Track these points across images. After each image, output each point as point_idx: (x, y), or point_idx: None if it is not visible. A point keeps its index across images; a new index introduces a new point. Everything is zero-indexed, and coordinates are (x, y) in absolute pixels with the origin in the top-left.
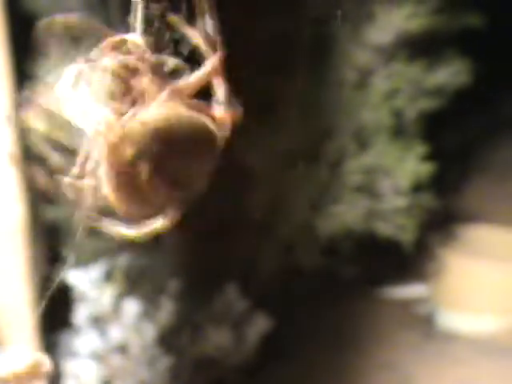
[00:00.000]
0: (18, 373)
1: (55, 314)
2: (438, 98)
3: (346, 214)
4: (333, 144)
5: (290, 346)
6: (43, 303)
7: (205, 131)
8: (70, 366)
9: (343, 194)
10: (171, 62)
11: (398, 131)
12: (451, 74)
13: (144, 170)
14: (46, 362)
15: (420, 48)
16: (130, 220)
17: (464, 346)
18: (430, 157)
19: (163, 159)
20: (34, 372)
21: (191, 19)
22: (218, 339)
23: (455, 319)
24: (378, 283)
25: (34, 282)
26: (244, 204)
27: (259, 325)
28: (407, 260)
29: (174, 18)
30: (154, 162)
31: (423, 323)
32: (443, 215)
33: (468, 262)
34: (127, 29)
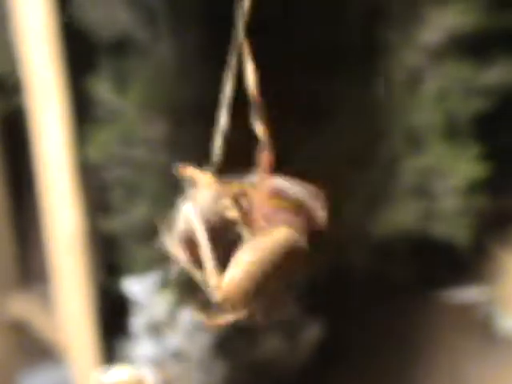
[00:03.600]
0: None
1: (113, 321)
2: (491, 97)
3: (401, 215)
4: (385, 146)
5: (344, 350)
6: (101, 311)
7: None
8: None
9: (397, 196)
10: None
11: (452, 131)
12: (506, 72)
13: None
14: (147, 379)
15: (471, 46)
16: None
17: None
18: (485, 157)
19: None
20: None
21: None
22: (271, 345)
23: None
24: (433, 286)
25: (92, 291)
26: None
27: (312, 330)
28: (464, 262)
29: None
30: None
31: (482, 327)
32: (500, 216)
33: None
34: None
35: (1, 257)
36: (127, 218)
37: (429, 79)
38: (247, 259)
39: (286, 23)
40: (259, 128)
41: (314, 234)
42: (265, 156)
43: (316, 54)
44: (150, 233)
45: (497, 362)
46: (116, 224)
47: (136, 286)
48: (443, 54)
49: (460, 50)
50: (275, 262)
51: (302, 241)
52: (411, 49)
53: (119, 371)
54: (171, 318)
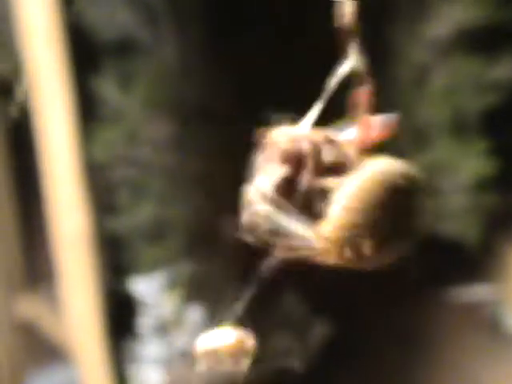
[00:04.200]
0: (227, 346)
1: (120, 321)
2: (500, 92)
3: None
4: (392, 142)
5: (352, 349)
6: (108, 311)
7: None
8: (135, 373)
9: None
10: None
11: (460, 128)
12: None
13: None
14: (251, 339)
15: (480, 41)
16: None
17: None
18: (493, 153)
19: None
20: (240, 347)
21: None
22: (279, 344)
23: None
24: (441, 285)
25: (98, 291)
26: None
27: (321, 329)
28: (472, 260)
29: None
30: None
31: (490, 326)
32: (508, 213)
33: None
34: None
35: (8, 258)
36: (133, 217)
37: (436, 75)
38: (346, 195)
39: (289, 20)
40: (358, 62)
41: None
42: (364, 92)
43: (319, 52)
44: (157, 232)
45: (505, 361)
46: (122, 224)
47: (143, 286)
48: (451, 49)
49: (468, 45)
50: (378, 197)
51: (408, 177)
52: (419, 44)
53: (223, 333)
54: (178, 317)
